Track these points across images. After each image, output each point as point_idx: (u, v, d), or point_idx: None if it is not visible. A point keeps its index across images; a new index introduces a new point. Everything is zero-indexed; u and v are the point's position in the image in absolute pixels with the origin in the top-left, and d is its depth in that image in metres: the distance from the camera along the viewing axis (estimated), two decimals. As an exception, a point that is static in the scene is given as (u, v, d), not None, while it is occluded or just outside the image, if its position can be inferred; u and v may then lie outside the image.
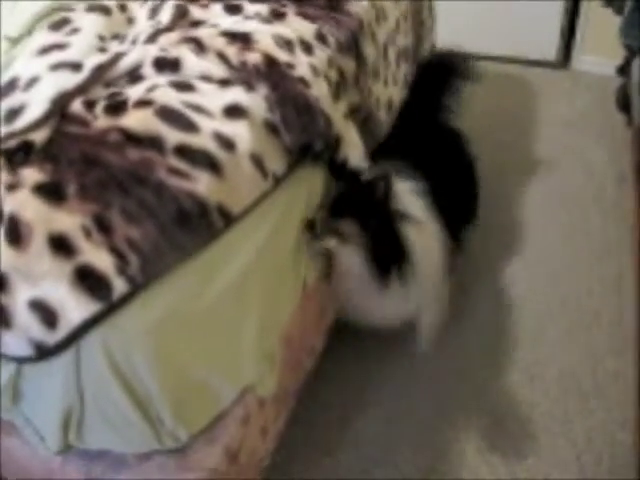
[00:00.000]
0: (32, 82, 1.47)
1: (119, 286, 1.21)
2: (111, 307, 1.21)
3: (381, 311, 1.80)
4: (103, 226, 1.25)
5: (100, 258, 1.22)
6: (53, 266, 1.21)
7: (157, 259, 1.25)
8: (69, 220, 1.24)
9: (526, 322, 2.20)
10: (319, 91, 1.57)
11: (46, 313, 1.20)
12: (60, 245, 1.22)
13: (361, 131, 1.79)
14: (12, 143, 1.37)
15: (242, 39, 1.57)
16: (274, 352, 1.50)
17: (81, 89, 1.45)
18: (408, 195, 1.70)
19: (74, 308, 1.20)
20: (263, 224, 1.43)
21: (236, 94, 1.47)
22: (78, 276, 1.20)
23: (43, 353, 1.23)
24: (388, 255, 1.65)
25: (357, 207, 1.65)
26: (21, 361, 1.27)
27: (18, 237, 1.23)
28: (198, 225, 1.30)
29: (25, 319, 1.21)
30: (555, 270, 2.39)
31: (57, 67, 1.51)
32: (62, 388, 1.29)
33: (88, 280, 1.20)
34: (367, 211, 1.64)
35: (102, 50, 1.60)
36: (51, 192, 1.27)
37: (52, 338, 1.21)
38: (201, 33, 1.60)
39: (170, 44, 1.57)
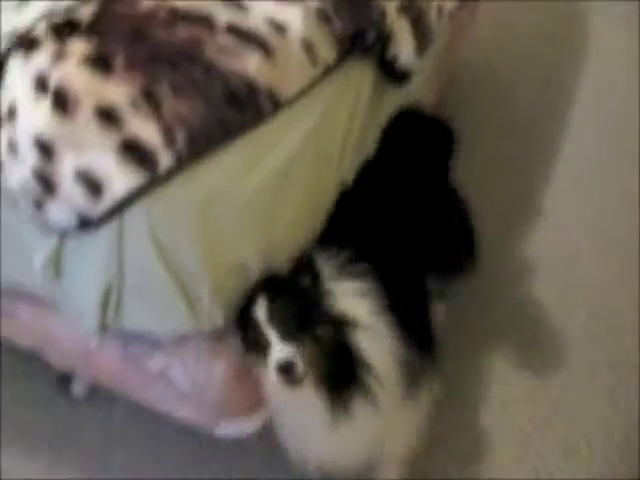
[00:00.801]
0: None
1: (165, 160, 1.19)
2: (156, 180, 1.19)
3: (335, 449, 1.43)
4: (151, 99, 1.22)
5: (147, 131, 1.20)
6: (100, 136, 1.19)
7: (204, 136, 1.23)
8: (117, 92, 1.22)
9: (561, 242, 2.16)
10: (373, -19, 1.52)
11: (91, 183, 1.19)
12: (107, 116, 1.20)
13: (411, 31, 1.72)
14: (58, 19, 1.34)
15: None
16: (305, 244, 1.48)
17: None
18: (349, 295, 1.36)
19: (119, 179, 1.19)
20: (311, 112, 1.40)
21: (289, -21, 1.42)
22: (124, 147, 1.19)
23: (86, 224, 1.22)
24: (343, 374, 1.31)
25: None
26: (64, 233, 1.26)
27: (65, 106, 1.21)
28: (247, 106, 1.27)
29: (70, 188, 1.21)
30: (589, 187, 2.33)
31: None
32: (103, 263, 1.29)
33: (134, 152, 1.19)
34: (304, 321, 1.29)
35: None
36: (99, 64, 1.24)
37: (96, 209, 1.20)
38: None
39: None
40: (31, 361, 1.93)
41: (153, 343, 1.46)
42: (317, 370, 1.28)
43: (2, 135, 1.26)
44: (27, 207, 1.27)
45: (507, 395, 1.84)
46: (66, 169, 1.21)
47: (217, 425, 1.56)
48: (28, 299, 1.59)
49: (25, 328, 1.64)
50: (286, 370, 1.24)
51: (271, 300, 1.29)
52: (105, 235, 1.25)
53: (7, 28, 1.33)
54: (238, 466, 1.76)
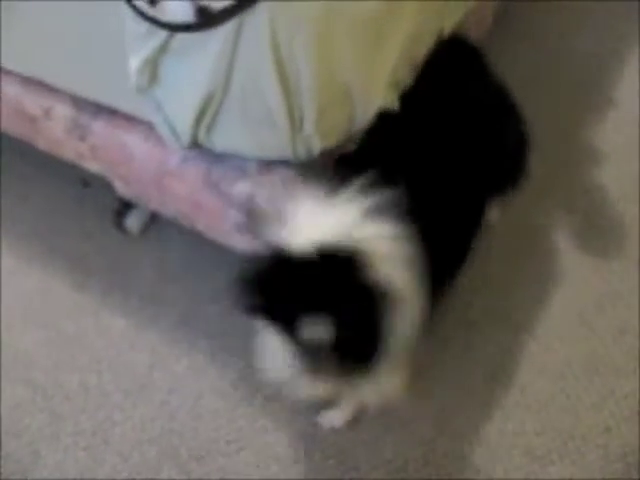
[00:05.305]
0: None
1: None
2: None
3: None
4: None
5: None
6: None
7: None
8: None
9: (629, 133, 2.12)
10: None
11: (217, -27, 1.13)
12: None
13: None
14: None
15: None
16: (405, 80, 1.44)
17: None
18: (393, 257, 1.14)
19: (247, -27, 1.12)
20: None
21: None
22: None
23: (205, 19, 1.16)
24: (361, 349, 1.16)
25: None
26: (176, 29, 1.20)
27: None
28: None
29: (193, -22, 1.14)
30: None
31: None
32: (209, 69, 1.24)
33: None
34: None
35: None
36: None
37: (219, 3, 1.14)
38: None
39: None
40: (87, 194, 1.92)
41: (238, 169, 1.43)
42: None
43: None
44: (139, 0, 1.21)
45: (563, 276, 1.83)
46: (190, -44, 1.14)
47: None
48: (107, 116, 1.55)
49: (97, 148, 1.60)
50: (314, 353, 1.08)
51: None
52: (219, 36, 1.19)
53: None
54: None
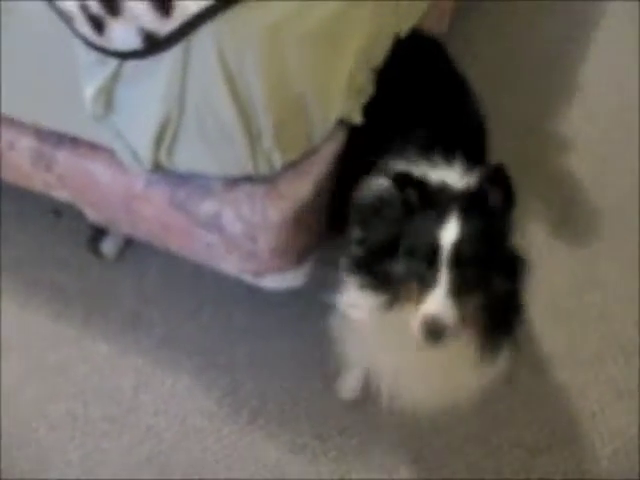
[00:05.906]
0: None
1: (238, -22, 1.13)
2: (228, 1, 1.13)
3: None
4: None
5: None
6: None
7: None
8: None
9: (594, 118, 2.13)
10: None
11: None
12: None
13: None
14: None
15: None
16: (365, 87, 1.46)
17: None
18: None
19: (191, -3, 1.12)
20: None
21: None
22: (196, -37, 1.12)
23: (152, 45, 1.17)
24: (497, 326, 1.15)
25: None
26: (125, 56, 1.21)
27: None
28: None
29: (137, 6, 1.14)
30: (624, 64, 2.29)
31: None
32: (163, 92, 1.24)
33: (207, -31, 1.12)
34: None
35: None
36: None
37: (164, 28, 1.15)
38: None
39: None
40: (60, 223, 1.92)
41: (203, 188, 1.43)
42: (471, 322, 1.10)
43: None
44: (85, 30, 1.21)
45: (538, 266, 1.83)
46: (133, -16, 1.14)
47: (263, 277, 1.54)
48: (70, 145, 1.54)
49: (64, 177, 1.59)
50: (433, 330, 1.04)
51: (464, 220, 1.07)
52: (169, 60, 1.19)
53: None
54: (276, 318, 1.77)
